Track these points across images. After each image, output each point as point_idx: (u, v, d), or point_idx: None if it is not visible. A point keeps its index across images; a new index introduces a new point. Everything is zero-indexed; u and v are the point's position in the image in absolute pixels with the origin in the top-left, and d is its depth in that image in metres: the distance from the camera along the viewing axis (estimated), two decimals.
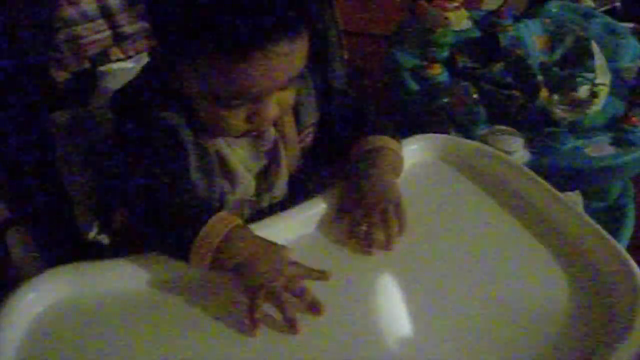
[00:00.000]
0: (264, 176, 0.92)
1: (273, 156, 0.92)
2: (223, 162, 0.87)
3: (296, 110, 0.92)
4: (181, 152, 0.83)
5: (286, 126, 0.92)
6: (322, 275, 0.77)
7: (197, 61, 0.74)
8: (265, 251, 0.77)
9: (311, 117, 0.95)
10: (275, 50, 0.72)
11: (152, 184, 0.80)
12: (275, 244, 0.79)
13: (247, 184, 0.91)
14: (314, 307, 0.74)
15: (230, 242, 0.75)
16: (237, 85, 0.74)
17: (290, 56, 0.74)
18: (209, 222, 0.76)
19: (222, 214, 0.78)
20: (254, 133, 0.84)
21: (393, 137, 0.93)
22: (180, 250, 0.76)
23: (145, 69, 0.90)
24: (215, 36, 0.70)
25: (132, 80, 0.89)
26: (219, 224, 0.76)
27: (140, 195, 0.80)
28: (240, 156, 0.89)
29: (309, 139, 0.96)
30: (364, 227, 0.85)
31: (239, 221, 0.79)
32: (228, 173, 0.88)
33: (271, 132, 0.90)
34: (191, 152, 0.84)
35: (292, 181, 0.96)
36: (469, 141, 1.04)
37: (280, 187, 0.94)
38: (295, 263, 0.77)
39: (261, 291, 0.73)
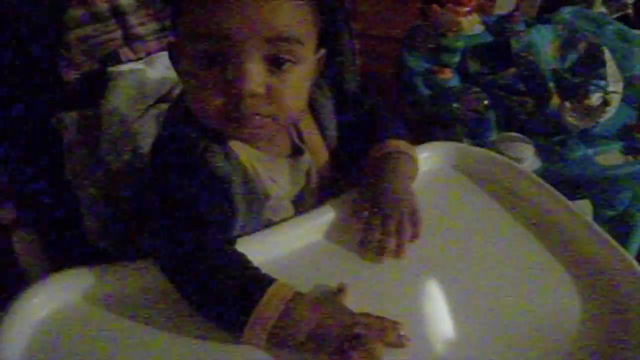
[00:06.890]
0: (298, 199, 0.90)
1: (308, 178, 0.90)
2: (269, 199, 0.85)
3: (321, 126, 0.91)
4: (228, 203, 0.79)
5: (315, 145, 0.91)
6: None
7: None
8: (328, 312, 0.71)
9: (334, 130, 0.93)
10: None
11: (200, 244, 0.74)
12: (329, 299, 0.75)
13: (288, 213, 0.88)
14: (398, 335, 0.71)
15: (289, 319, 0.69)
16: (211, 21, 0.70)
17: (274, 3, 0.70)
18: (263, 299, 0.69)
19: (276, 286, 0.71)
20: (234, 121, 0.76)
21: (408, 141, 0.92)
22: (232, 327, 0.71)
23: (169, 111, 0.89)
24: None
25: (165, 126, 0.87)
26: (274, 300, 0.70)
27: (185, 258, 0.74)
28: (283, 187, 0.87)
29: (333, 153, 0.94)
30: (378, 235, 0.83)
31: (294, 291, 0.72)
32: (272, 207, 0.86)
33: (306, 155, 0.89)
34: (239, 203, 0.80)
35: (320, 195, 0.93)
36: (479, 149, 1.03)
37: (311, 205, 0.91)
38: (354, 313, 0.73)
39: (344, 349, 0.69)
